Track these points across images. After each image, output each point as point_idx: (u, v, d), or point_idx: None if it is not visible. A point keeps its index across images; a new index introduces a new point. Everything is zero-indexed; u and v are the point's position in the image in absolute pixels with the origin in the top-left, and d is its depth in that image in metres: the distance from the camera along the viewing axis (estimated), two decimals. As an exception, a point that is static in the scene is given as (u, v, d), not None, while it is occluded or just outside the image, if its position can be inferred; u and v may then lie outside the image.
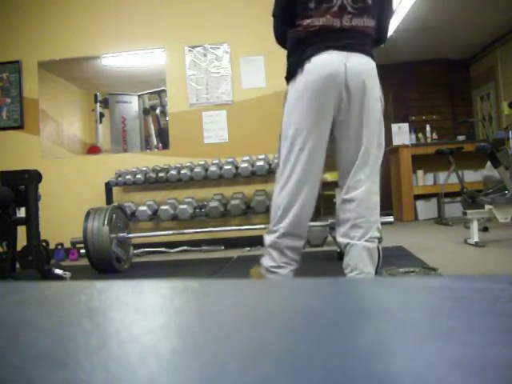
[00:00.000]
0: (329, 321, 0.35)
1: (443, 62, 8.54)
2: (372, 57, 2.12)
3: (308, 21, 2.10)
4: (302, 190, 2.06)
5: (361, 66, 2.06)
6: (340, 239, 2.13)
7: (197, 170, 4.47)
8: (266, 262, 2.17)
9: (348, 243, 2.07)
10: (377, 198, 2.11)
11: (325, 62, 2.03)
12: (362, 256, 2.04)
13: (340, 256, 3.39)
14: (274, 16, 2.26)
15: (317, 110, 2.05)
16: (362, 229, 2.06)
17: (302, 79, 2.06)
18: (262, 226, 4.14)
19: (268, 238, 2.16)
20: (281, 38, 2.27)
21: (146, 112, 5.24)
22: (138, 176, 4.57)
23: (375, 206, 2.11)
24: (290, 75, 2.13)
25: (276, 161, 4.56)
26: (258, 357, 0.27)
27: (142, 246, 4.50)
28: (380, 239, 2.14)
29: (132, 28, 4.87)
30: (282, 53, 4.39)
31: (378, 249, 2.12)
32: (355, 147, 2.08)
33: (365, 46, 2.10)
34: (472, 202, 4.23)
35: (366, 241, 2.05)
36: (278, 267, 2.14)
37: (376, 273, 2.11)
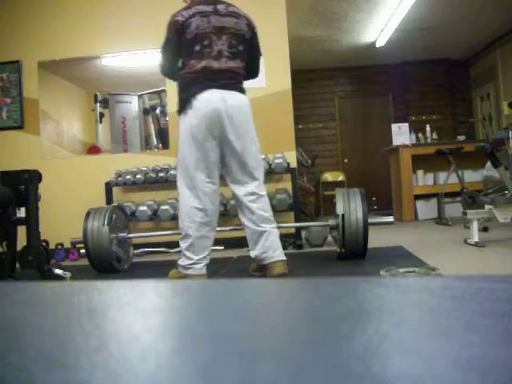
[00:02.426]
0: (329, 321, 0.35)
1: (443, 62, 8.54)
2: (244, 93, 2.77)
3: (193, 61, 2.67)
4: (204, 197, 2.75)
5: (236, 101, 2.67)
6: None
7: (197, 170, 4.47)
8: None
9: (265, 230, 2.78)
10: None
11: (208, 99, 2.62)
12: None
13: (340, 256, 3.40)
14: (162, 50, 2.79)
15: (205, 139, 2.65)
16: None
17: (191, 114, 2.63)
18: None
19: None
20: (173, 75, 2.82)
21: (146, 112, 5.24)
22: (138, 176, 4.57)
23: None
24: (182, 109, 2.69)
25: (277, 161, 4.53)
26: (258, 357, 0.27)
27: (142, 246, 4.49)
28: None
29: (132, 28, 4.86)
30: (283, 53, 4.50)
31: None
32: (245, 160, 2.73)
33: (238, 84, 2.74)
34: (472, 201, 4.23)
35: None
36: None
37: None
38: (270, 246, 2.74)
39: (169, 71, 2.82)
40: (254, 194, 2.77)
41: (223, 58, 2.67)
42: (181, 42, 2.69)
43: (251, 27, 2.83)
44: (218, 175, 2.81)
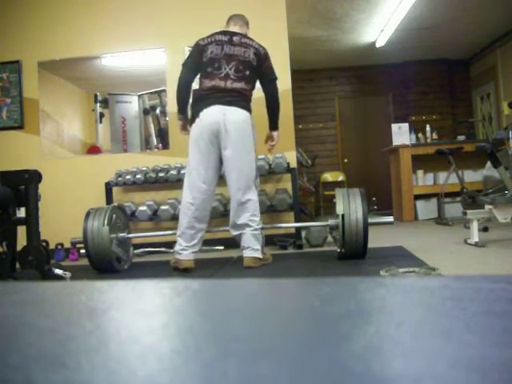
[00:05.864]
0: (329, 321, 0.35)
1: (443, 62, 8.54)
2: (246, 109, 3.23)
3: (205, 80, 3.23)
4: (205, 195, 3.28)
5: (235, 116, 3.15)
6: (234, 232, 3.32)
7: (197, 170, 4.47)
8: None
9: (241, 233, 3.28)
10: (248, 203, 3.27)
11: (211, 113, 3.14)
12: (251, 239, 3.26)
13: (340, 256, 3.40)
14: (183, 65, 3.32)
15: (206, 145, 3.17)
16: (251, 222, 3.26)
17: (197, 124, 3.19)
18: (262, 225, 4.13)
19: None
20: (184, 85, 3.29)
21: (146, 112, 5.24)
22: (138, 176, 4.57)
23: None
24: (192, 120, 3.24)
25: (277, 161, 4.53)
26: (258, 357, 0.27)
27: (142, 245, 4.49)
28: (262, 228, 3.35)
29: (132, 28, 4.86)
30: (283, 53, 4.52)
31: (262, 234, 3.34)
32: (235, 169, 3.19)
33: (241, 102, 3.20)
34: (472, 201, 4.23)
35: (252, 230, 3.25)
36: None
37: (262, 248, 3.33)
38: (243, 245, 3.29)
39: (183, 82, 3.29)
40: (240, 203, 3.23)
41: (229, 80, 3.19)
42: (199, 62, 3.25)
43: (259, 55, 3.28)
44: (215, 178, 3.29)
